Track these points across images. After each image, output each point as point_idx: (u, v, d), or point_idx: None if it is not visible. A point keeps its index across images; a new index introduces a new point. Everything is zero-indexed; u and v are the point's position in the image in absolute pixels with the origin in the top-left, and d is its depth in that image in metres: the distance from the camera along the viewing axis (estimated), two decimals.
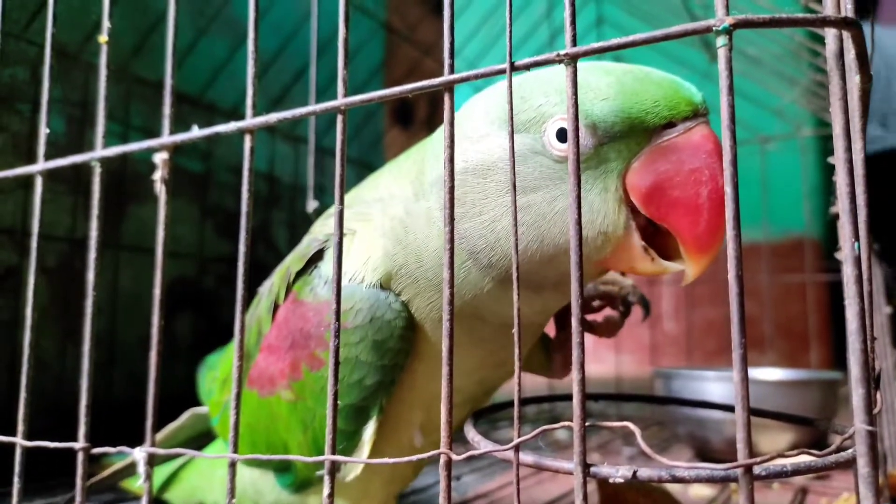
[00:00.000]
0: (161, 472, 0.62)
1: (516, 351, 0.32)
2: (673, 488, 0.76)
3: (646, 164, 0.35)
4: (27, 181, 0.80)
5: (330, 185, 1.22)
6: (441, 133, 0.43)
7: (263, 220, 1.15)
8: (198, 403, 0.64)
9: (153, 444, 0.42)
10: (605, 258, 0.37)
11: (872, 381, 0.33)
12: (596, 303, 0.52)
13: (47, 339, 0.81)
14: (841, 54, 0.29)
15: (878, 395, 0.34)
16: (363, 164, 1.36)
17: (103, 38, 0.48)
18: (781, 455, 0.28)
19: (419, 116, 1.65)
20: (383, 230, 0.43)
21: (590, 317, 0.53)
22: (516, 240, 0.32)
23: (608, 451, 0.97)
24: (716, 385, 0.84)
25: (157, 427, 0.48)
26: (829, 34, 0.29)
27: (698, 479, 0.29)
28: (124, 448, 0.44)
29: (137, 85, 0.93)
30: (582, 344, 0.30)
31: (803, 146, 1.40)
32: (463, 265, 0.39)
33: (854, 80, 0.36)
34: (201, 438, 0.62)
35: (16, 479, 0.48)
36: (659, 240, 0.37)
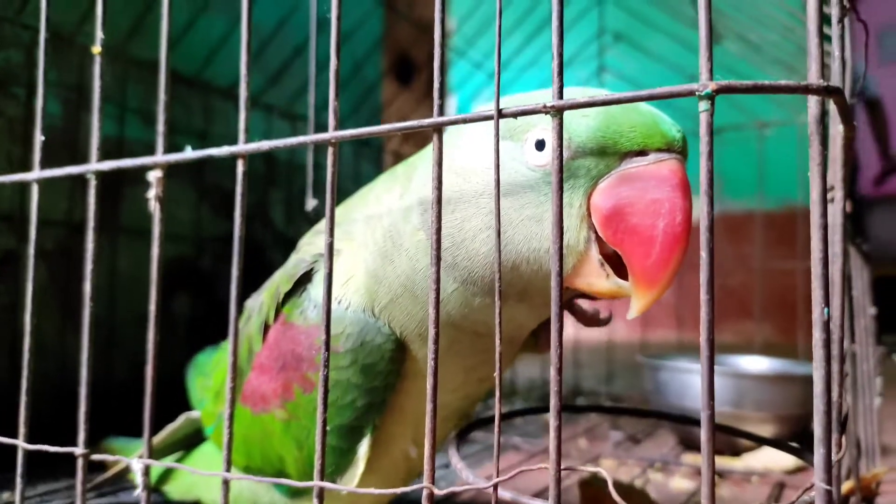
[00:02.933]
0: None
1: (498, 369, 0.34)
2: (655, 480, 0.78)
3: (611, 186, 0.35)
4: (25, 164, 0.81)
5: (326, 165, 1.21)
6: (448, 134, 0.43)
7: (260, 199, 1.15)
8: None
9: (150, 456, 0.44)
10: (566, 274, 0.36)
11: (837, 430, 0.34)
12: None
13: (47, 322, 0.83)
14: (822, 119, 0.30)
15: (843, 439, 0.35)
16: (361, 142, 1.36)
17: (97, 48, 0.48)
18: None
19: (421, 79, 1.64)
20: (366, 244, 0.44)
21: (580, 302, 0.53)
22: (499, 252, 0.33)
23: (595, 436, 0.99)
24: (699, 379, 0.86)
25: (156, 429, 0.50)
26: (812, 101, 0.29)
27: None
28: (122, 458, 0.46)
29: (134, 66, 0.93)
30: (559, 392, 0.31)
31: (801, 132, 1.41)
32: (429, 265, 0.39)
33: (837, 128, 0.37)
34: (197, 435, 0.63)
35: (18, 481, 0.50)
36: (622, 264, 0.37)
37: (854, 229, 0.72)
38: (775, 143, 1.27)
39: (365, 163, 1.40)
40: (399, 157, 1.47)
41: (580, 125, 0.36)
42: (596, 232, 0.36)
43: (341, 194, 0.55)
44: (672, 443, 0.94)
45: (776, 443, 0.45)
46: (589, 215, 0.36)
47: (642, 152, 0.35)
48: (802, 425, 0.88)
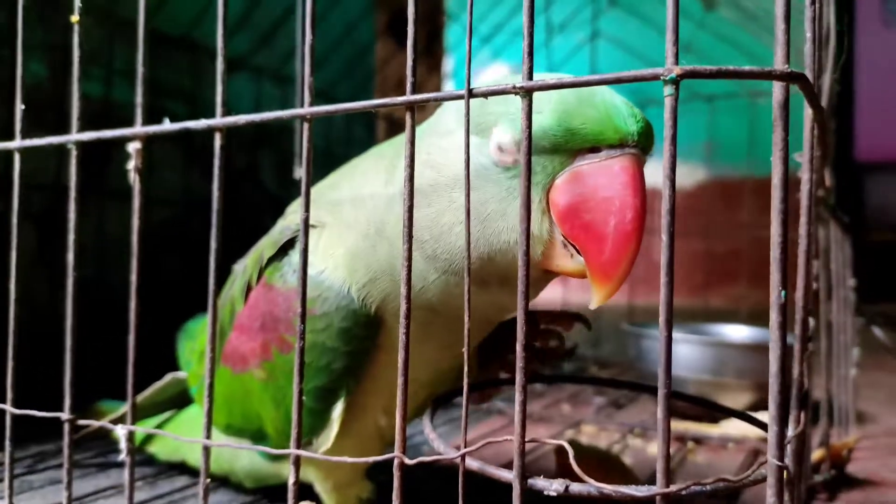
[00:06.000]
0: (146, 425, 0.65)
1: (466, 344, 0.35)
2: (634, 445, 0.80)
3: (566, 183, 0.35)
4: (7, 128, 0.81)
5: (321, 132, 1.21)
6: (425, 125, 0.43)
7: (251, 161, 1.15)
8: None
9: (134, 421, 0.45)
10: (537, 260, 0.37)
11: (797, 407, 0.35)
12: (542, 326, 0.54)
13: (38, 285, 0.84)
14: (786, 105, 0.30)
15: (803, 415, 0.36)
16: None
17: (75, 17, 0.47)
18: (698, 483, 0.31)
19: (418, 38, 1.62)
20: (349, 225, 0.44)
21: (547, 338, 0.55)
22: (468, 237, 0.33)
23: (579, 401, 1.01)
24: (683, 347, 0.87)
25: (140, 386, 0.51)
26: (777, 86, 0.30)
27: (622, 497, 0.31)
28: (106, 424, 0.47)
29: (120, 27, 0.92)
30: (525, 368, 0.32)
31: (794, 101, 1.39)
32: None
33: (807, 113, 0.37)
34: (182, 396, 0.65)
35: (7, 444, 0.51)
36: None
37: (837, 199, 0.72)
38: (768, 110, 1.26)
39: (357, 126, 1.39)
40: (392, 122, 1.46)
41: (534, 123, 0.36)
42: None
43: (333, 159, 0.55)
44: (653, 409, 0.96)
45: (740, 414, 0.46)
46: (548, 209, 0.36)
47: (595, 148, 0.35)
48: None
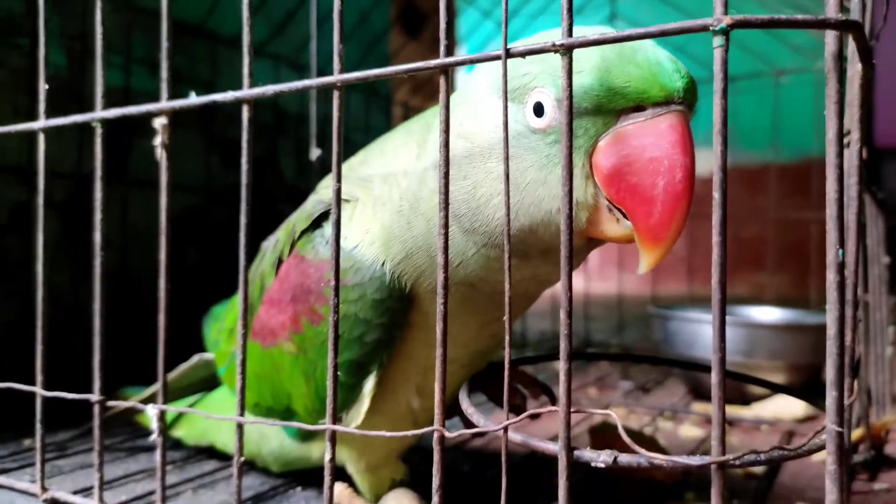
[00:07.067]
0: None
1: (507, 322, 0.34)
2: (664, 428, 0.79)
3: (609, 145, 0.34)
4: (31, 115, 0.80)
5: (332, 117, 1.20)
6: (454, 95, 0.42)
7: (269, 149, 1.15)
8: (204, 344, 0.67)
9: (165, 402, 0.45)
10: (581, 228, 0.36)
11: (850, 375, 0.34)
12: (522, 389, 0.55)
13: (60, 274, 0.83)
14: (840, 56, 0.29)
15: (855, 384, 0.35)
16: (370, 93, 1.34)
17: None
18: (754, 451, 0.29)
19: (429, 29, 1.61)
20: (382, 201, 0.44)
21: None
22: (508, 209, 0.33)
23: (605, 385, 1.00)
24: (710, 328, 0.86)
25: (169, 367, 0.50)
26: (830, 35, 0.28)
27: (674, 468, 0.30)
28: (137, 404, 0.46)
29: (139, 14, 0.91)
30: (570, 335, 0.31)
31: (818, 80, 1.37)
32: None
33: (856, 67, 0.35)
34: (210, 380, 0.64)
35: (38, 426, 0.51)
36: None
37: (870, 177, 0.70)
38: (790, 91, 1.24)
39: (375, 114, 1.38)
40: (408, 109, 1.45)
41: (574, 83, 0.34)
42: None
43: (350, 146, 0.54)
44: (682, 392, 0.94)
45: (785, 389, 0.45)
46: (592, 173, 0.35)
47: (639, 107, 0.34)
48: (814, 374, 0.88)
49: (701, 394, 0.90)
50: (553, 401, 0.56)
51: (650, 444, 0.57)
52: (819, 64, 1.17)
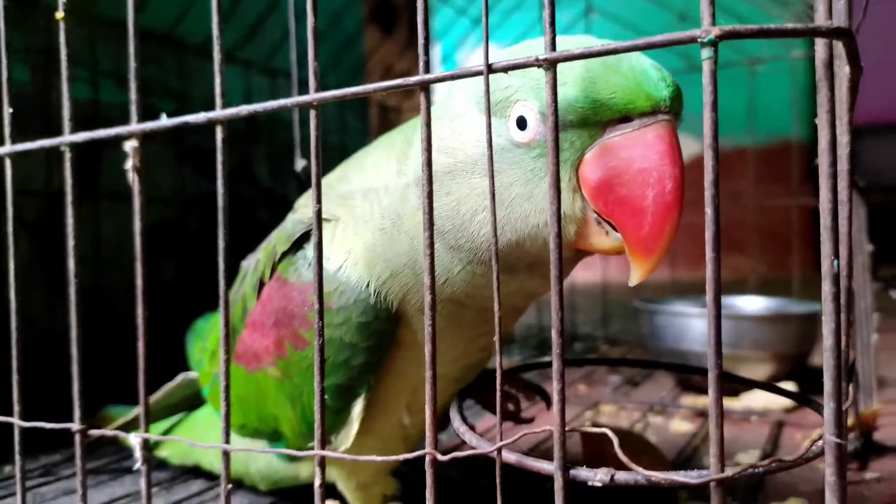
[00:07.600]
0: (158, 429, 0.63)
1: (497, 343, 0.33)
2: (655, 423, 0.79)
3: (596, 157, 0.34)
4: None
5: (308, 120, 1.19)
6: (434, 110, 0.41)
7: (244, 155, 1.13)
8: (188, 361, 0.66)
9: (147, 429, 0.43)
10: (570, 241, 0.36)
11: (845, 380, 0.34)
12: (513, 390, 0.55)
13: (34, 293, 0.81)
14: (830, 63, 0.28)
15: (850, 388, 0.35)
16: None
17: (59, 14, 0.45)
18: (753, 466, 0.29)
19: (404, 25, 1.59)
20: (364, 219, 0.43)
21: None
22: (495, 228, 0.32)
23: (594, 381, 1.00)
24: (699, 322, 0.86)
25: (151, 384, 0.49)
26: (820, 43, 0.28)
27: (672, 485, 0.30)
28: (119, 432, 0.45)
29: (103, 26, 0.89)
30: (562, 355, 0.30)
31: (793, 67, 1.38)
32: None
33: (844, 70, 0.35)
34: (195, 398, 0.63)
35: (17, 458, 0.49)
36: None
37: (850, 161, 0.70)
38: (766, 77, 1.24)
39: (350, 115, 1.37)
40: (385, 109, 1.44)
41: (558, 96, 0.34)
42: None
43: (327, 149, 0.53)
44: (670, 385, 0.95)
45: (773, 387, 0.45)
46: (579, 186, 0.34)
47: (626, 118, 0.33)
48: (800, 363, 0.89)
49: (689, 386, 0.90)
50: (547, 402, 0.55)
51: (641, 444, 0.57)
52: (794, 52, 1.18)
